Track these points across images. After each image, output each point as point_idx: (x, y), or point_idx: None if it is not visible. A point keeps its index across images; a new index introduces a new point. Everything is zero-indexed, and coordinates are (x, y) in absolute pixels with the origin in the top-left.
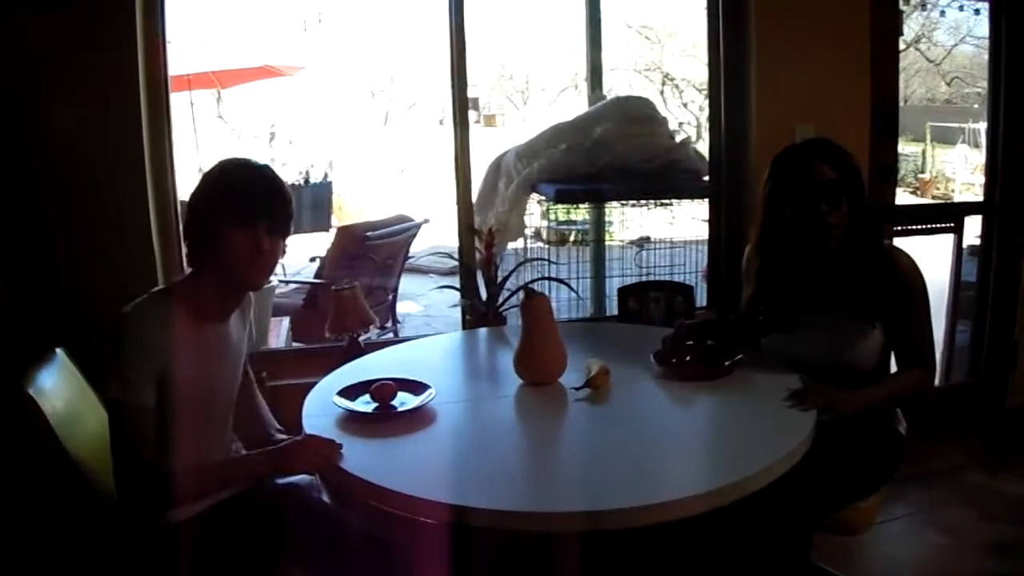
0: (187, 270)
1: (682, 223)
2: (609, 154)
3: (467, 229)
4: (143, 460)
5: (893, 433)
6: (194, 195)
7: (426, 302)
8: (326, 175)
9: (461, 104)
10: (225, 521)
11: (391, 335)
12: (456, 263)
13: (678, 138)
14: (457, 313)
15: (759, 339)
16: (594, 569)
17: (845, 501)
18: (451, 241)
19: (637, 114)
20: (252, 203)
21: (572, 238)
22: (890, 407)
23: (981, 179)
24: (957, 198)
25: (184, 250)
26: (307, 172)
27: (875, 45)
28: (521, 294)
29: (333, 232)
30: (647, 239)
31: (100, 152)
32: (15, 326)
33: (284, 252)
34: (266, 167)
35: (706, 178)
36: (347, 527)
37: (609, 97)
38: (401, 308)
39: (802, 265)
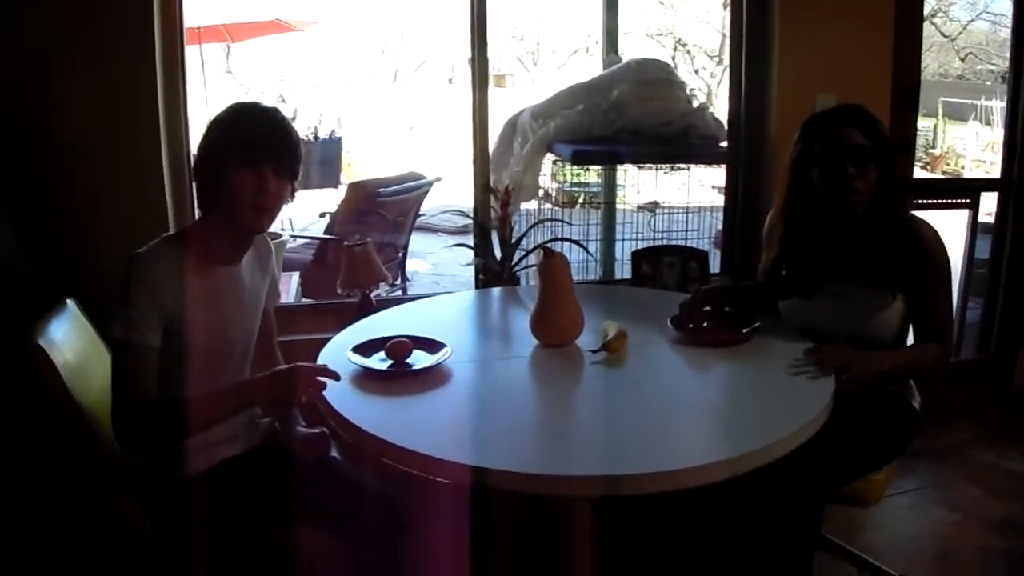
0: (198, 215)
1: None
2: (625, 116)
3: (483, 188)
4: (141, 399)
5: (907, 407)
6: (204, 136)
7: (435, 260)
8: (332, 132)
9: (481, 63)
10: (237, 476)
11: (400, 292)
12: (466, 223)
13: (695, 103)
14: (466, 273)
15: (777, 305)
16: (607, 533)
17: (858, 473)
18: (461, 200)
19: (654, 77)
20: (259, 143)
21: (581, 200)
22: (904, 377)
23: (992, 156)
24: (967, 175)
25: (195, 195)
26: (315, 127)
27: (898, 17)
28: (535, 254)
29: (342, 188)
30: (657, 204)
31: (114, 102)
32: (25, 277)
33: (292, 197)
34: (275, 110)
35: (723, 144)
36: (359, 484)
37: (624, 60)
38: (410, 266)
39: (826, 231)
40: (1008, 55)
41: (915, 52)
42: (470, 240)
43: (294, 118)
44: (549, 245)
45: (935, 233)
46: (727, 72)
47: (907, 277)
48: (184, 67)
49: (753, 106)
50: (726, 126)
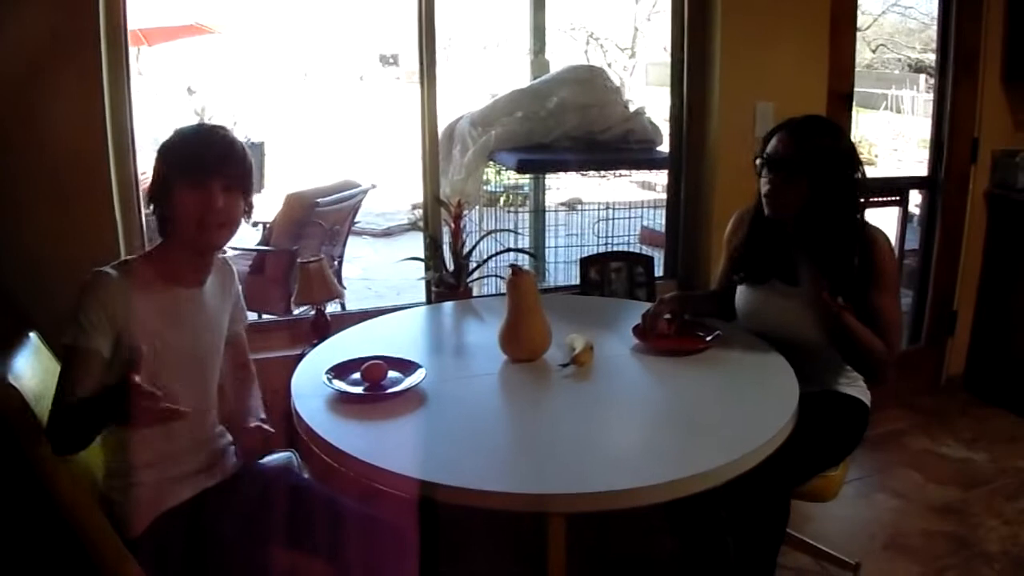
0: (150, 241)
1: (615, 188)
2: (565, 123)
3: (434, 199)
4: (71, 397)
5: (858, 403)
6: (156, 163)
7: (364, 264)
8: (248, 138)
9: (429, 68)
10: (212, 507)
11: (337, 305)
12: (391, 225)
13: (632, 107)
14: (398, 279)
15: (733, 310)
16: (576, 542)
17: (818, 470)
18: (384, 204)
19: (591, 83)
20: (199, 160)
21: (503, 200)
22: (845, 346)
23: (903, 145)
24: (880, 164)
25: (149, 219)
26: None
27: (833, 26)
28: (490, 266)
29: (267, 194)
30: (579, 201)
31: (60, 119)
32: None
33: (249, 211)
34: (218, 127)
35: (659, 147)
36: (333, 506)
37: (549, 61)
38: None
39: (774, 232)
40: (916, 45)
41: (850, 60)
42: (398, 242)
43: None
44: (503, 258)
45: (883, 238)
46: (638, 66)
47: (852, 283)
48: (130, 75)
49: (695, 112)
50: (663, 130)
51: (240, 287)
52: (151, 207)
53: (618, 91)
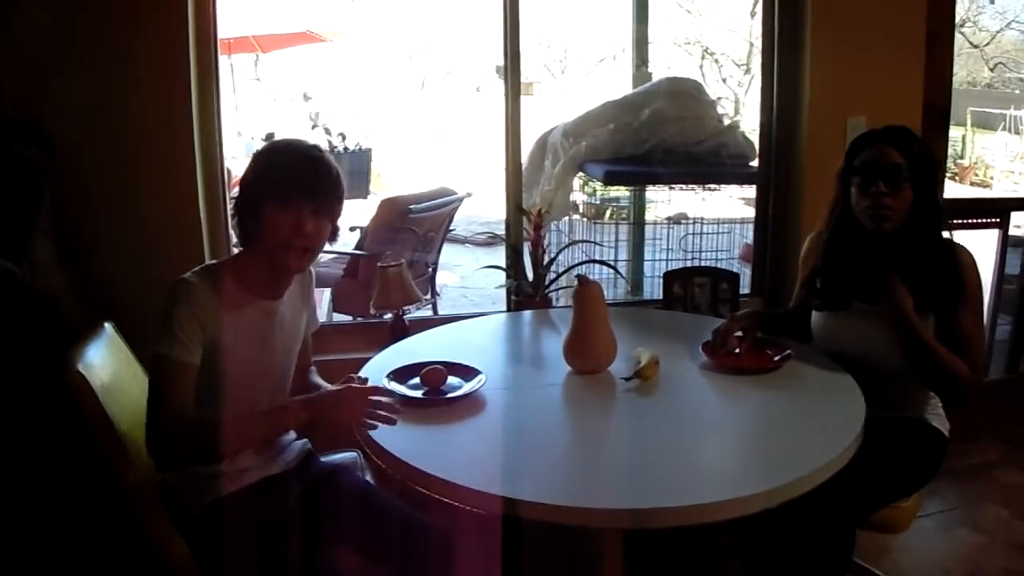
0: (235, 249)
1: (721, 201)
2: (657, 136)
3: (516, 208)
4: (177, 413)
5: (936, 434)
6: (244, 175)
7: (463, 272)
8: (359, 145)
9: (514, 76)
10: (270, 497)
11: (430, 309)
12: (494, 234)
13: (726, 121)
14: (495, 288)
15: (808, 330)
16: (638, 563)
17: (888, 500)
18: (488, 212)
19: (686, 96)
20: (293, 184)
21: (609, 214)
22: (923, 367)
23: (1021, 167)
24: (996, 185)
25: (234, 228)
26: (342, 136)
27: (930, 38)
28: (569, 276)
29: (371, 200)
30: (684, 215)
31: (148, 117)
32: (64, 296)
33: (335, 236)
34: (314, 147)
35: (752, 163)
36: (393, 510)
37: (652, 73)
38: (439, 279)
39: (862, 248)
40: None
41: (946, 73)
42: (498, 252)
43: (318, 126)
44: (582, 269)
45: (971, 258)
46: (754, 81)
47: (940, 301)
48: (218, 82)
49: (784, 126)
50: (756, 145)
51: (317, 292)
52: (235, 217)
53: (713, 105)
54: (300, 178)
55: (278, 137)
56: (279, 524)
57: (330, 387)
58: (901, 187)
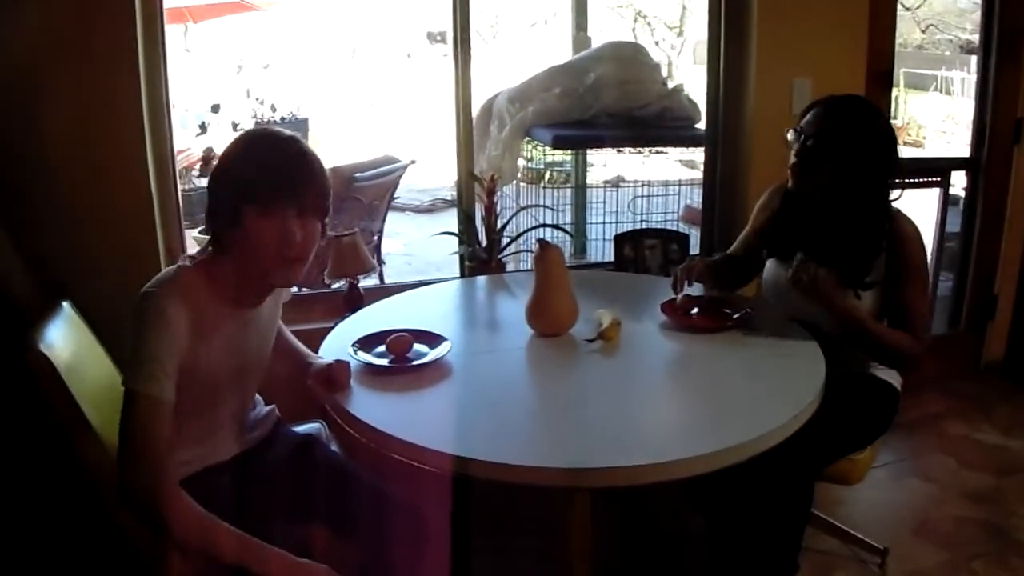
0: (190, 235)
1: (660, 166)
2: (602, 100)
3: (468, 175)
4: (150, 457)
5: (889, 387)
6: (217, 171)
7: (406, 240)
8: (293, 114)
9: (464, 45)
10: (241, 475)
11: (376, 278)
12: (434, 200)
13: (670, 84)
14: (439, 254)
15: (750, 272)
16: (601, 520)
17: (843, 453)
18: (430, 180)
19: (630, 60)
20: (276, 184)
21: (548, 177)
22: (864, 346)
23: (952, 127)
24: (928, 145)
25: (208, 228)
26: (273, 107)
27: (873, 3)
28: (525, 241)
29: None
30: (622, 179)
31: (95, 94)
32: (18, 278)
33: (324, 235)
34: (292, 139)
35: (697, 124)
36: (359, 483)
37: (591, 38)
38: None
39: (802, 210)
40: (967, 26)
41: (889, 37)
42: (439, 219)
43: (251, 97)
44: (536, 233)
45: (914, 229)
46: (686, 44)
47: (881, 272)
48: (165, 53)
49: (731, 88)
50: (701, 107)
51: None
52: (211, 224)
53: (657, 68)
54: (283, 178)
55: (226, 111)
56: (251, 502)
57: (318, 359)
58: (819, 155)
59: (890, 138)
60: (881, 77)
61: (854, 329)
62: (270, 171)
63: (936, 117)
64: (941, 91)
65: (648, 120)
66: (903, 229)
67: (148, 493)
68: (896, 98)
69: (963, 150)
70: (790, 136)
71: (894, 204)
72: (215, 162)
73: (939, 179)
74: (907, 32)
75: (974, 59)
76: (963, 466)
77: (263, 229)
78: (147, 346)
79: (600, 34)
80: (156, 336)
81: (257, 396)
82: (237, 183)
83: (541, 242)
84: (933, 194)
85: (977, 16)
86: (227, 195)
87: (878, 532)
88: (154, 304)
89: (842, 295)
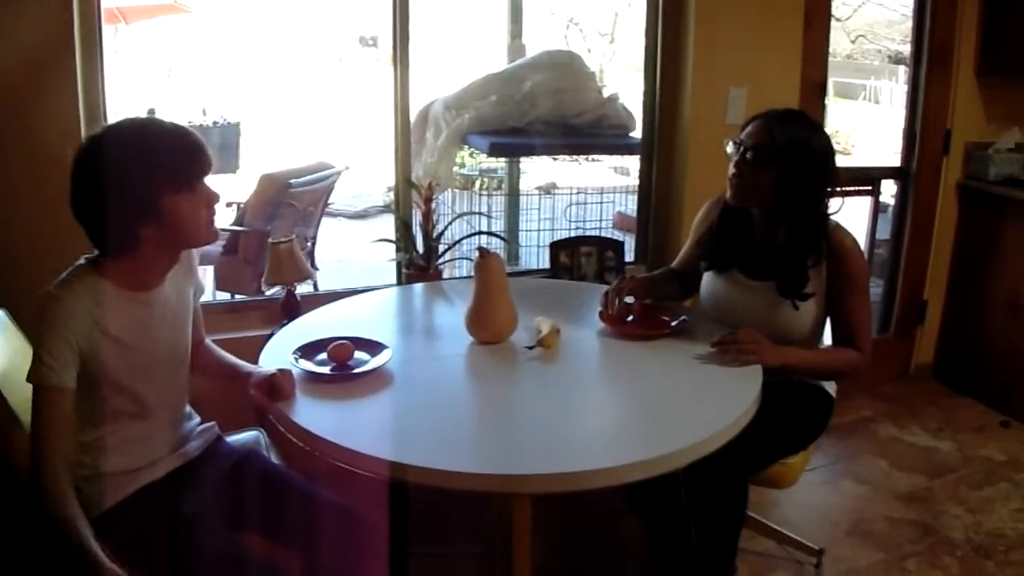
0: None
1: (592, 173)
2: (539, 108)
3: (405, 181)
4: (51, 450)
5: (823, 395)
6: (117, 179)
7: (338, 246)
8: (224, 118)
9: (403, 52)
10: (179, 490)
11: (310, 285)
12: (366, 207)
13: (606, 93)
14: (372, 260)
15: (692, 286)
16: (544, 522)
17: (778, 457)
18: (358, 186)
19: (566, 68)
20: (193, 162)
21: (480, 185)
22: (813, 377)
23: (879, 135)
24: (856, 153)
25: (108, 240)
26: (203, 111)
27: (808, 14)
28: (460, 248)
29: (241, 174)
30: (555, 185)
31: (32, 98)
32: None
33: None
34: (153, 119)
35: (632, 133)
36: (301, 493)
37: (525, 45)
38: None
39: (739, 224)
40: (896, 37)
41: (823, 48)
42: (372, 224)
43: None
44: (472, 240)
45: (854, 243)
46: (617, 52)
47: (819, 284)
48: (102, 55)
49: (667, 97)
50: (636, 115)
51: (197, 260)
52: (109, 237)
53: (592, 76)
54: (188, 153)
55: (160, 115)
56: (191, 517)
57: (248, 366)
58: (759, 168)
59: (828, 151)
60: (815, 87)
61: (801, 373)
62: (174, 153)
63: (865, 126)
64: (870, 100)
65: (584, 128)
66: (843, 242)
67: (36, 468)
68: (826, 107)
69: (891, 158)
70: (729, 148)
71: (833, 216)
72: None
73: (870, 187)
74: (837, 42)
75: (902, 69)
76: (895, 468)
77: (187, 207)
78: (43, 340)
79: (533, 41)
80: (50, 328)
81: (191, 409)
82: (147, 180)
83: (481, 250)
84: (864, 202)
85: (906, 27)
86: (136, 198)
87: (813, 533)
88: (49, 301)
89: (773, 352)
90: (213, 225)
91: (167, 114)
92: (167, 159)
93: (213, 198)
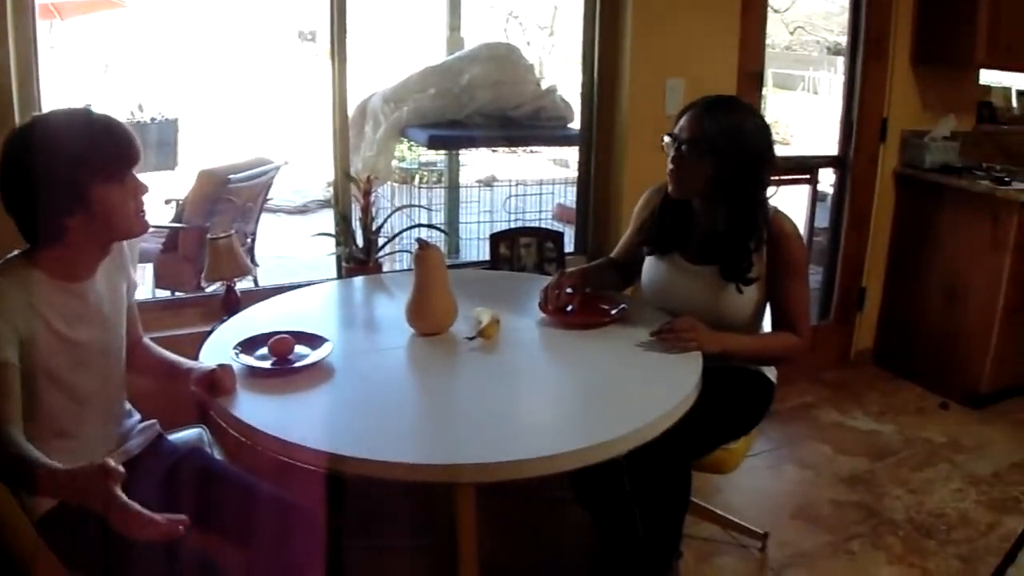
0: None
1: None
2: (477, 100)
3: (344, 175)
4: (4, 416)
5: (764, 381)
6: (47, 169)
7: (278, 242)
8: (162, 115)
9: (340, 45)
10: (123, 483)
11: (251, 281)
12: (306, 202)
13: (544, 85)
14: (312, 253)
15: (633, 275)
16: (488, 511)
17: (719, 443)
18: (301, 182)
19: (504, 61)
20: (120, 153)
21: (420, 178)
22: (753, 362)
23: (817, 125)
24: (796, 143)
25: (38, 227)
26: (140, 107)
27: (744, 5)
28: (400, 241)
29: (179, 171)
30: (494, 178)
31: None
32: None
33: None
34: (80, 110)
35: (571, 124)
36: (246, 489)
37: (464, 38)
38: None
39: (679, 210)
40: (834, 28)
41: (760, 39)
42: (312, 219)
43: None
44: (413, 233)
45: (793, 228)
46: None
47: (761, 270)
48: (37, 51)
49: (604, 88)
50: (574, 106)
51: (131, 255)
52: (42, 217)
53: (531, 68)
54: (116, 143)
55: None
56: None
57: (188, 362)
58: (696, 158)
59: (762, 133)
60: (752, 77)
61: (741, 358)
62: (102, 144)
63: (803, 116)
64: (808, 91)
65: (522, 120)
66: (783, 227)
67: None
68: (764, 97)
69: (830, 148)
70: (666, 141)
71: (772, 202)
72: (7, 176)
73: (808, 176)
74: (776, 34)
75: (840, 60)
76: (838, 452)
77: (115, 197)
78: None
79: (473, 34)
80: None
81: (131, 407)
82: (76, 170)
83: (421, 242)
84: (803, 191)
85: (843, 19)
86: (64, 188)
87: (758, 518)
88: None
89: (712, 338)
90: (142, 216)
91: (104, 110)
92: (96, 149)
93: (141, 189)
